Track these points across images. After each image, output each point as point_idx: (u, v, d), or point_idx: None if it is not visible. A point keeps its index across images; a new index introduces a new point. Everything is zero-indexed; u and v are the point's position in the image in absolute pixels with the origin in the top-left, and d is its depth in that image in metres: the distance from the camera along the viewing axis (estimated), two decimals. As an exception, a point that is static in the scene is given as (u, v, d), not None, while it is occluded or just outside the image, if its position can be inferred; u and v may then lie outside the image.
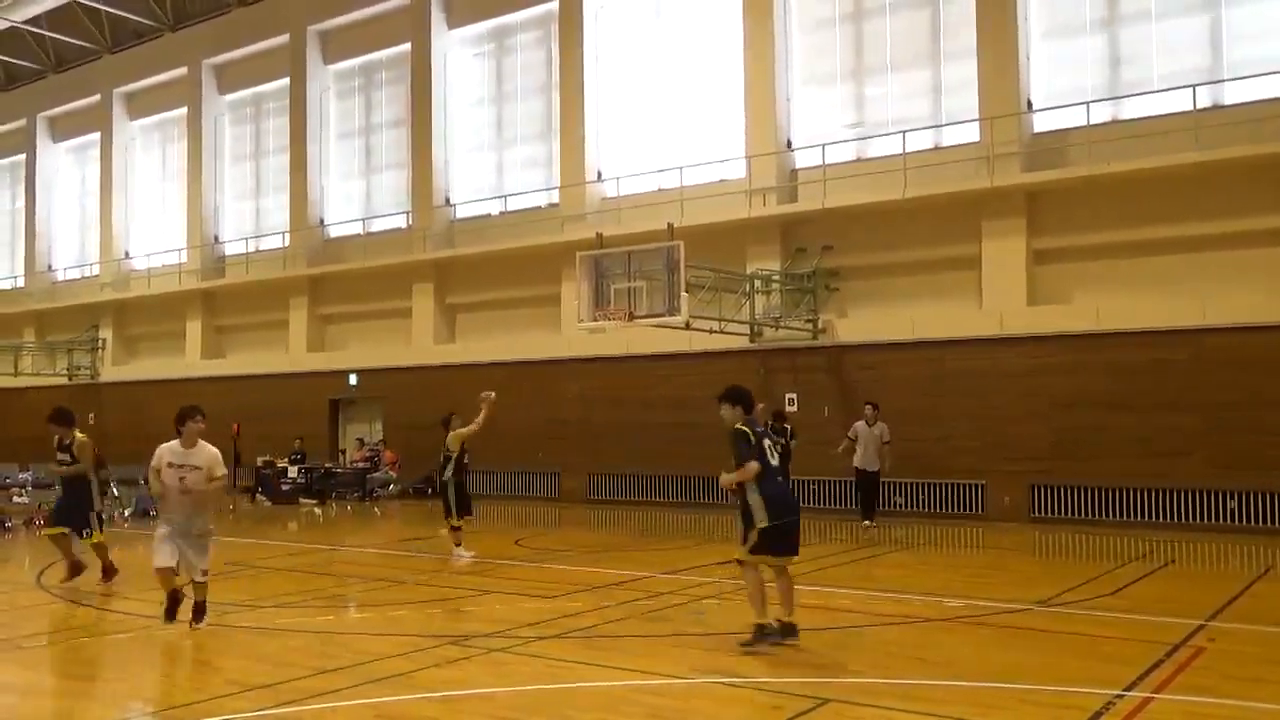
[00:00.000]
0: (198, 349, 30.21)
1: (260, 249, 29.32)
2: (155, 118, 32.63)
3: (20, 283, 36.47)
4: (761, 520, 7.85)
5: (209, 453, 9.09)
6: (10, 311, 35.47)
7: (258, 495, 23.73)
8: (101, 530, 12.29)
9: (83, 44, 32.38)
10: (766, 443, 8.10)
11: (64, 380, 31.92)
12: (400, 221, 26.34)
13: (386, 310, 26.09)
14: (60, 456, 12.14)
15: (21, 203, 36.80)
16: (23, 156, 36.39)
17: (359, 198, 27.65)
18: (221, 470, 9.22)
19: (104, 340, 32.49)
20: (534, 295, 23.36)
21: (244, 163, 30.49)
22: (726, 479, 8.06)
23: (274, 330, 28.41)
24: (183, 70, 30.83)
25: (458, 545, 13.64)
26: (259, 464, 24.51)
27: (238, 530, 18.72)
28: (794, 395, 19.20)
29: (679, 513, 19.73)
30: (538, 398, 22.29)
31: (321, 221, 27.98)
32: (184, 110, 31.14)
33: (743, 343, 19.52)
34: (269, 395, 27.08)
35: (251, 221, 30.11)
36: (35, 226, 35.89)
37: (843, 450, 16.30)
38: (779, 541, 7.96)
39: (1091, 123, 17.38)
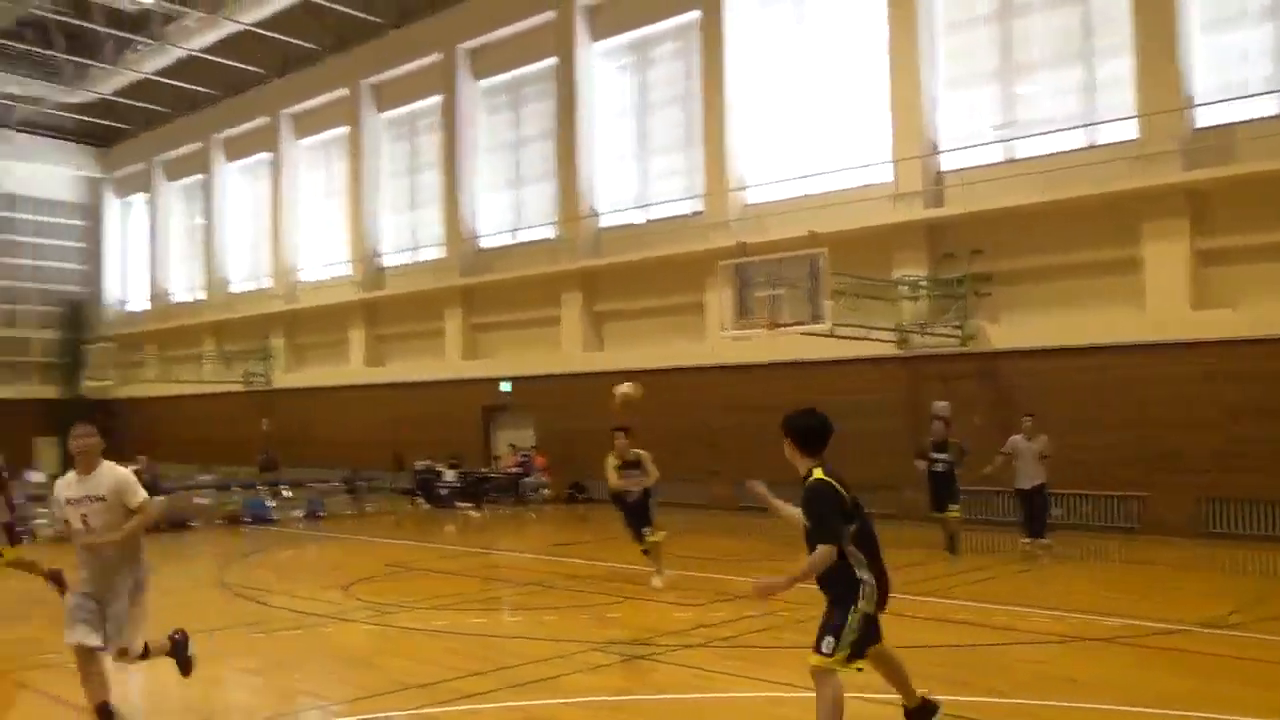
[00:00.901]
0: (360, 357, 31.65)
1: (417, 261, 30.51)
2: (319, 137, 34.33)
3: (201, 295, 38.90)
4: (868, 604, 5.48)
5: (115, 477, 6.53)
6: (192, 323, 37.91)
7: (417, 498, 24.70)
8: (13, 543, 11.07)
9: (254, 69, 34.35)
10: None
11: (240, 387, 33.89)
12: (548, 232, 26.98)
13: (536, 319, 26.77)
14: None
15: (202, 220, 39.27)
16: (203, 177, 38.85)
17: (509, 209, 28.45)
18: (139, 496, 6.52)
19: (276, 349, 34.33)
20: (679, 303, 23.59)
21: (401, 178, 31.77)
22: (780, 583, 5.49)
23: (431, 339, 29.51)
24: (344, 91, 32.35)
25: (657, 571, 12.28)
26: (418, 468, 25.51)
27: (398, 533, 19.58)
28: (943, 404, 18.78)
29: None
30: (684, 405, 22.45)
31: (474, 233, 28.91)
32: (346, 129, 32.69)
33: (889, 350, 19.26)
34: (426, 402, 28.15)
35: (409, 234, 31.34)
36: (213, 242, 38.26)
37: (996, 468, 14.72)
38: (874, 629, 5.60)
39: (1259, 116, 16.44)
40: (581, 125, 25.92)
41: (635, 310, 24.82)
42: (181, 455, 32.07)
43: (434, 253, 29.84)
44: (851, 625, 5.40)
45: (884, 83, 20.53)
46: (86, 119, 40.10)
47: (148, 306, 41.58)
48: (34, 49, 34.20)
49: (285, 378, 33.80)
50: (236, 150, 37.57)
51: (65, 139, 41.87)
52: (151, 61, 34.66)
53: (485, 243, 28.71)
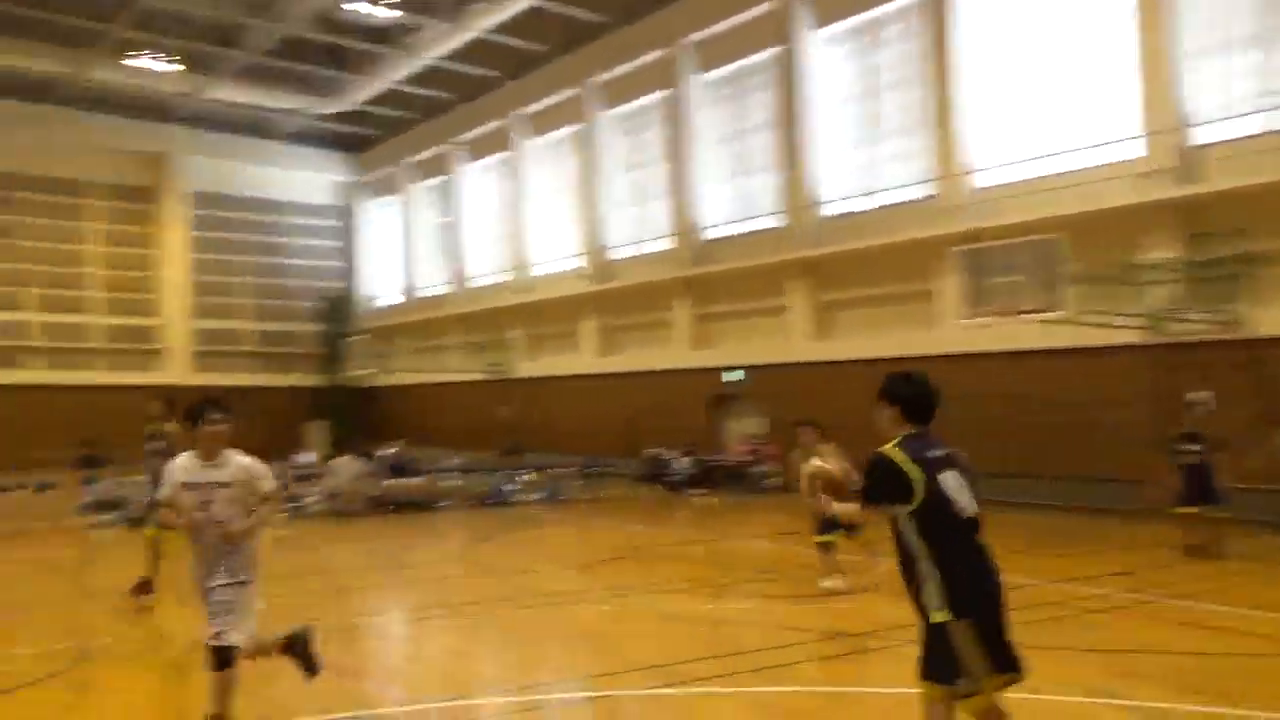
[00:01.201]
0: (593, 347, 32.76)
1: (644, 253, 31.25)
2: (550, 135, 35.68)
3: (447, 289, 41.31)
4: (942, 610, 4.57)
5: (242, 464, 6.36)
6: (440, 315, 40.34)
7: (650, 484, 25.43)
8: (153, 525, 10.72)
9: (489, 73, 36.06)
10: (949, 478, 4.85)
11: (483, 376, 35.79)
12: (773, 221, 27.01)
13: (762, 308, 26.88)
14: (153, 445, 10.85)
15: (445, 218, 41.69)
16: (445, 178, 41.20)
17: (733, 200, 28.68)
18: (270, 483, 6.47)
19: (515, 340, 36.01)
20: (907, 291, 23.09)
21: (628, 172, 32.58)
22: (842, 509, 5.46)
23: (659, 329, 30.20)
24: (574, 91, 33.49)
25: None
26: (648, 455, 26.25)
27: (632, 517, 20.20)
28: (1200, 394, 17.54)
29: (1066, 518, 18.67)
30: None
31: (699, 224, 29.32)
32: (576, 127, 33.83)
33: (1132, 338, 18.17)
34: (656, 391, 28.83)
35: (636, 227, 32.14)
36: (456, 239, 40.54)
37: (1269, 452, 13.70)
38: (996, 650, 4.59)
39: None
40: (805, 113, 25.79)
41: (862, 299, 24.50)
42: (435, 440, 34.23)
43: (661, 244, 30.48)
44: (942, 644, 4.52)
45: (1127, 54, 19.33)
46: (341, 127, 43.31)
47: (399, 300, 44.52)
48: (293, 64, 37.19)
49: (523, 367, 35.39)
50: (475, 151, 39.55)
51: (322, 147, 45.44)
52: (396, 71, 37.00)
53: (710, 233, 29.06)
